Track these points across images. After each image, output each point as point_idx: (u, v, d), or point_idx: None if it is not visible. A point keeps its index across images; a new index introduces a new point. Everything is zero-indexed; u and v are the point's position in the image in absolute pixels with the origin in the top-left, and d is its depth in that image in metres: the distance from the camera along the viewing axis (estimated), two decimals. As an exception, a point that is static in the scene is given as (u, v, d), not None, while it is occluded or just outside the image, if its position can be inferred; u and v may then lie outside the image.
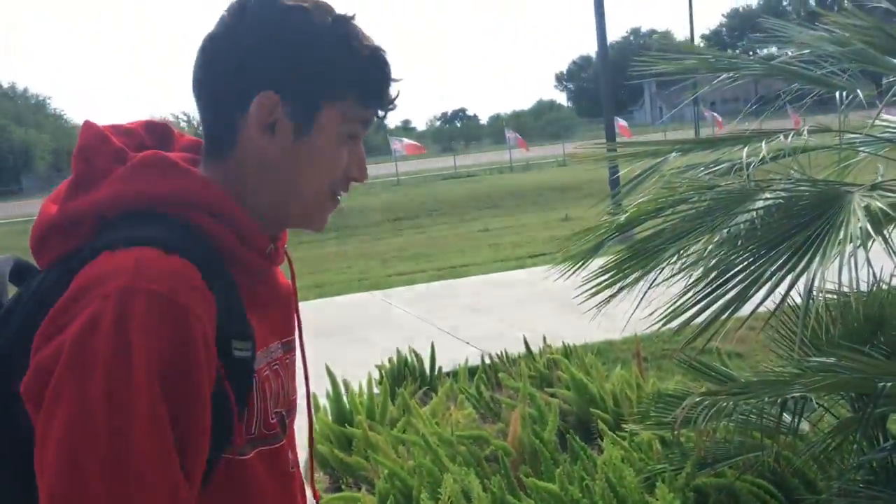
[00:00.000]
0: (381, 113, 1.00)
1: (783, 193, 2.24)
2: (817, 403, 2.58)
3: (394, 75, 1.00)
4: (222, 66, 0.96)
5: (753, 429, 2.73)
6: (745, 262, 1.90)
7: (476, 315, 7.45)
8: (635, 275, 2.38)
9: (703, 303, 1.87)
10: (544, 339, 4.86)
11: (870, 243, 1.87)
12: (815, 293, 1.72)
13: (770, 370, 2.68)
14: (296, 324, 1.10)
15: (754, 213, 2.27)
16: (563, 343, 4.86)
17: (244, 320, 0.92)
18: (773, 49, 3.14)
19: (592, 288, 2.54)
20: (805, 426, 2.68)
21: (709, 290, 1.89)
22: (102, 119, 1.04)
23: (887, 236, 1.89)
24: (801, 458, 2.60)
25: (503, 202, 22.01)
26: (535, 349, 4.94)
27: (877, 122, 2.60)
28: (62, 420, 0.80)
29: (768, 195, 2.30)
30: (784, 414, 2.57)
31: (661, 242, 2.42)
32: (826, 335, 2.42)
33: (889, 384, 1.86)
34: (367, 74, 0.98)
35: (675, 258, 2.32)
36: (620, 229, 2.70)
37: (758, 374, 2.60)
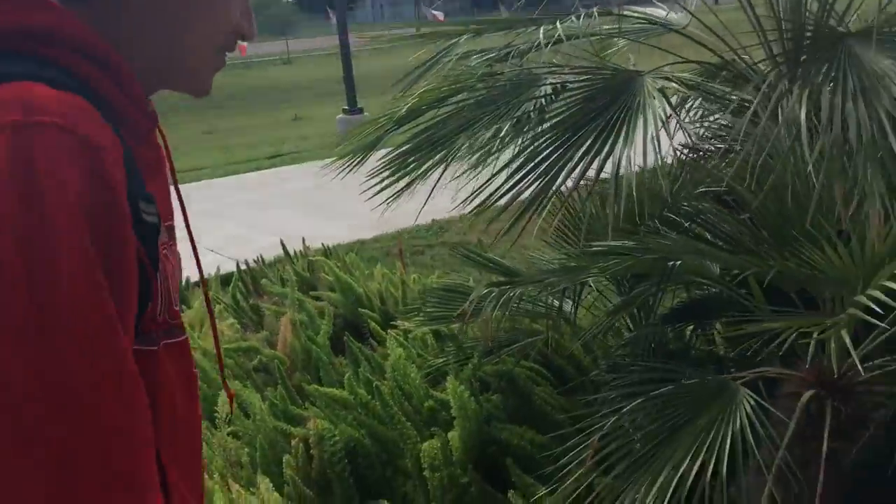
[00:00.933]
0: None
1: (570, 78, 2.22)
2: (597, 289, 2.68)
3: None
4: None
5: (533, 317, 2.80)
6: (552, 147, 1.85)
7: (216, 221, 7.02)
8: (428, 164, 2.26)
9: (514, 190, 1.81)
10: (303, 241, 4.65)
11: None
12: (623, 172, 1.71)
13: (549, 259, 2.74)
14: (175, 205, 0.92)
15: (543, 100, 2.24)
16: (323, 245, 4.69)
17: (143, 182, 0.74)
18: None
19: (378, 182, 2.39)
20: (579, 312, 2.78)
21: (518, 176, 1.82)
22: None
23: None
24: (579, 342, 2.71)
25: (227, 103, 20.87)
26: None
27: (640, 13, 2.66)
28: None
29: (553, 80, 2.27)
30: (560, 302, 2.66)
31: (450, 132, 2.32)
32: (607, 218, 2.50)
33: (679, 262, 1.94)
34: None
35: (465, 147, 2.23)
36: (401, 121, 2.55)
37: (546, 263, 2.64)
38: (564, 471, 2.14)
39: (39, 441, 0.62)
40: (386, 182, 2.43)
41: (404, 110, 2.53)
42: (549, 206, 1.98)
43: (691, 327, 2.56)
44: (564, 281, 2.18)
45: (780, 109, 1.64)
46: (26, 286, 0.61)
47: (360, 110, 11.51)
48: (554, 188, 1.77)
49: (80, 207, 0.64)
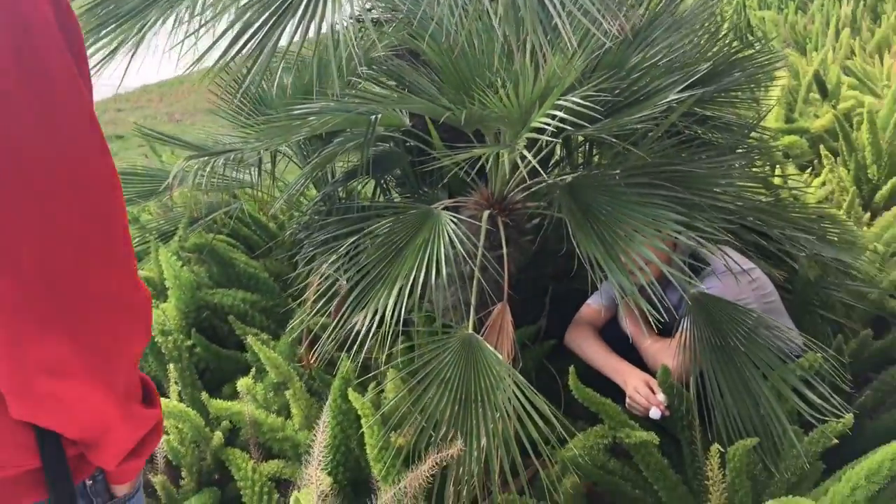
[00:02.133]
0: None
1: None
2: (285, 155, 2.89)
3: None
4: None
5: (226, 189, 2.94)
6: (266, 15, 2.01)
7: None
8: (119, 39, 2.25)
9: (230, 59, 1.95)
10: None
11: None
12: (338, 31, 1.96)
13: (235, 135, 2.88)
14: None
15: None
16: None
17: None
18: None
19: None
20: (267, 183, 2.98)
21: (238, 45, 1.96)
22: None
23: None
24: (272, 211, 2.93)
25: None
26: None
27: None
28: None
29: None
30: (259, 172, 2.84)
31: (137, 6, 2.33)
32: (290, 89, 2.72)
33: (379, 115, 2.26)
34: None
35: (161, 18, 2.27)
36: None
37: (232, 137, 2.78)
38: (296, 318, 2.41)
39: (61, 219, 0.74)
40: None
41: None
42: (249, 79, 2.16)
43: (372, 182, 2.92)
44: (272, 144, 2.38)
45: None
46: (33, 92, 0.73)
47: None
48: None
49: (56, 25, 0.76)
